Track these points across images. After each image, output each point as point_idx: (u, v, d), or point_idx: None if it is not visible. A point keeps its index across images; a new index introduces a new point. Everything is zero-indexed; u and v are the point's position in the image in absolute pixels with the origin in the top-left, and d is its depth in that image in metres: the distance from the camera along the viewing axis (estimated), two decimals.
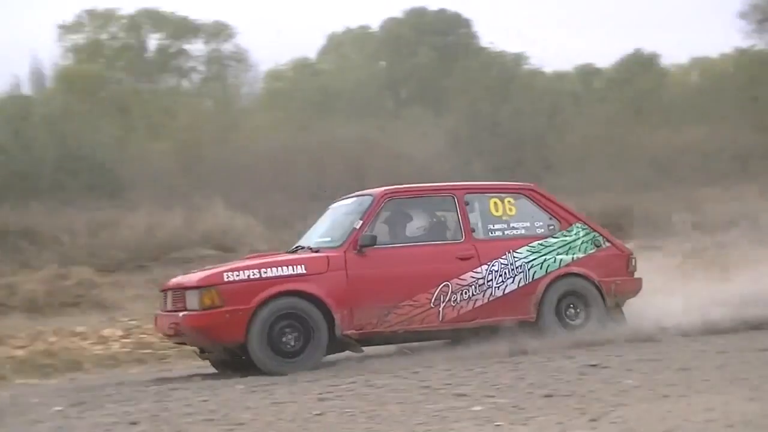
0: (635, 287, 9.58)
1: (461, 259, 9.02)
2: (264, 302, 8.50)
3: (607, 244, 9.54)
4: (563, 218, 9.49)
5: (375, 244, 8.80)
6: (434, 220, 9.32)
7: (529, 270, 9.20)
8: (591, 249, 9.44)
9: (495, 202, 9.36)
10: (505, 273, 9.11)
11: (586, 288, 9.34)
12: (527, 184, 9.84)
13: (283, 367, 8.40)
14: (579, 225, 9.50)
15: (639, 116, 28.28)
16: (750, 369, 6.96)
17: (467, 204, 9.26)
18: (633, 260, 9.60)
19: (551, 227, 9.44)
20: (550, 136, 26.33)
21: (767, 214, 14.02)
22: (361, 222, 8.96)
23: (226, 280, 8.57)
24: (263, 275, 8.61)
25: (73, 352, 10.67)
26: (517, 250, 9.20)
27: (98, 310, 10.53)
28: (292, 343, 8.51)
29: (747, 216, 14.25)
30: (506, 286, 9.10)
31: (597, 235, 9.52)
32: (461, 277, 8.97)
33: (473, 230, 9.17)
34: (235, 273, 8.63)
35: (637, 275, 9.62)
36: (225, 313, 8.47)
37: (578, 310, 9.32)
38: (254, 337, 8.46)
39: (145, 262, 17.31)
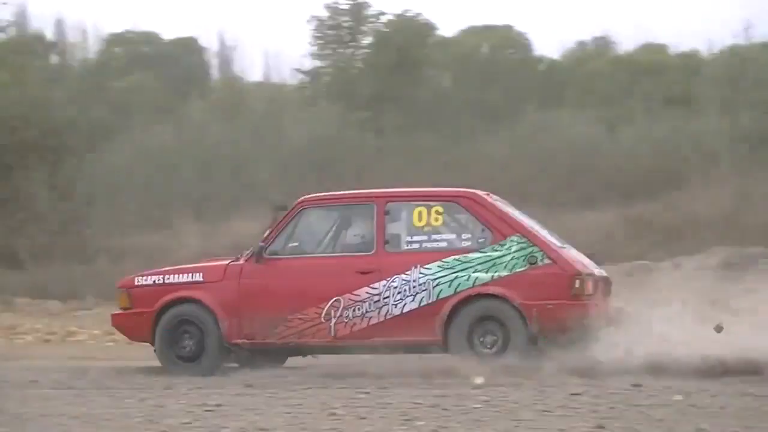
0: (577, 313, 8.28)
1: (361, 273, 8.68)
2: (164, 307, 9.12)
3: (547, 261, 8.44)
4: (499, 230, 8.57)
5: (263, 255, 8.88)
6: (348, 230, 8.97)
7: (433, 288, 8.54)
8: (521, 266, 8.47)
9: (420, 212, 8.71)
10: (405, 290, 8.55)
11: (504, 311, 8.43)
12: (465, 190, 8.92)
13: (181, 371, 8.89)
14: (516, 238, 8.51)
15: None
16: None
17: (387, 213, 8.75)
18: (577, 282, 8.40)
19: (481, 240, 8.63)
20: None
21: None
22: (268, 231, 8.97)
23: (135, 284, 9.44)
24: (166, 281, 9.28)
25: None
26: (426, 266, 8.58)
27: None
28: (188, 348, 9.04)
29: None
30: (405, 305, 8.58)
31: (535, 250, 8.47)
32: (355, 292, 8.64)
33: (387, 242, 8.73)
34: (144, 278, 9.43)
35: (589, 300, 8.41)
36: (133, 315, 9.34)
37: (496, 336, 8.47)
38: (157, 340, 9.18)
39: None
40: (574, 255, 8.93)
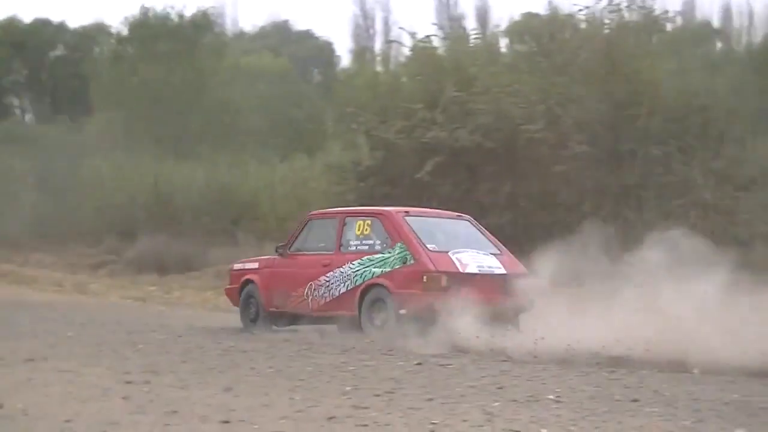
0: (423, 301, 10.92)
1: (324, 266, 12.08)
2: (242, 285, 13.03)
3: (413, 261, 11.30)
4: (393, 239, 11.58)
5: (287, 251, 12.71)
6: (327, 235, 12.32)
7: (353, 278, 11.75)
8: (398, 265, 11.42)
9: (359, 224, 12.03)
10: (340, 279, 11.84)
11: (386, 296, 11.40)
12: (383, 209, 12.38)
13: (250, 328, 12.67)
14: (400, 244, 11.48)
15: None
16: None
17: (345, 225, 12.15)
18: (425, 277, 11.13)
19: (384, 245, 11.67)
20: None
21: None
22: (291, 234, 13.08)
23: (234, 268, 13.57)
24: (244, 267, 13.36)
25: None
26: (353, 262, 11.79)
27: None
28: (252, 313, 12.92)
29: None
30: (340, 289, 11.87)
31: (407, 254, 11.37)
32: (318, 279, 12.08)
33: (341, 245, 12.11)
34: (238, 264, 13.61)
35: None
36: (231, 289, 13.38)
37: (383, 314, 11.39)
38: (240, 306, 13.14)
39: None
40: (449, 258, 11.42)
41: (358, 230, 12.06)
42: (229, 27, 53.04)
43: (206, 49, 36.82)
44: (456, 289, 10.91)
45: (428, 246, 11.45)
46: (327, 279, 12.01)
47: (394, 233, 11.62)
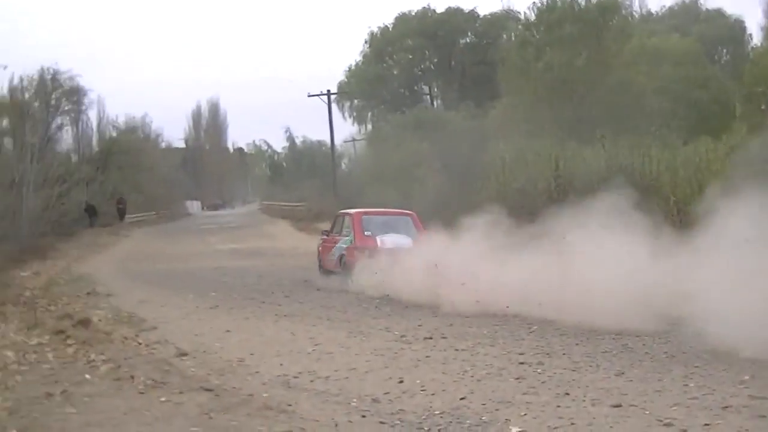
0: (359, 264, 16.25)
1: (334, 243, 18.36)
2: (319, 253, 19.73)
3: (353, 241, 17.49)
4: (351, 228, 17.86)
5: (325, 233, 19.77)
6: (340, 225, 18.77)
7: (339, 250, 17.94)
8: (349, 243, 17.54)
9: (347, 218, 18.43)
10: (336, 250, 18.03)
11: (345, 259, 17.41)
12: (352, 211, 18.94)
13: (321, 277, 18.59)
14: (352, 232, 17.75)
15: None
16: None
17: (344, 219, 18.64)
18: (356, 251, 16.99)
19: (350, 232, 17.88)
20: None
21: None
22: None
23: (320, 240, 20.24)
24: (320, 241, 20.03)
25: None
26: (340, 241, 18.05)
27: None
28: (321, 269, 19.16)
29: None
30: (335, 256, 18.10)
31: (353, 237, 17.55)
32: (332, 250, 18.38)
33: (341, 231, 18.42)
34: (321, 237, 20.39)
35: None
36: (318, 254, 20.05)
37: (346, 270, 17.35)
38: (318, 266, 19.62)
39: None
40: (374, 240, 17.13)
41: (345, 223, 18.43)
42: (636, 8, 52.25)
43: (612, 31, 36.55)
44: (377, 257, 16.12)
45: (365, 232, 17.74)
46: (334, 250, 18.22)
47: (351, 224, 18.00)
